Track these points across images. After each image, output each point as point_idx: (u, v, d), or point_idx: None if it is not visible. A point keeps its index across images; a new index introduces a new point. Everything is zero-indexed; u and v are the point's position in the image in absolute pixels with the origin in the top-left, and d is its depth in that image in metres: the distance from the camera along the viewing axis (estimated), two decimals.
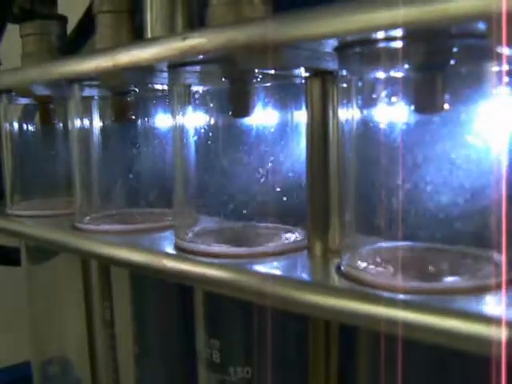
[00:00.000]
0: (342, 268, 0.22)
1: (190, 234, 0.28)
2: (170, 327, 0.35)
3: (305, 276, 0.23)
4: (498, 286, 0.20)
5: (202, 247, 0.26)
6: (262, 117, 0.27)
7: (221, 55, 0.24)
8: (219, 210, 0.29)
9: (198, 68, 0.27)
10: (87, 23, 0.42)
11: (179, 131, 0.28)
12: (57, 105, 0.38)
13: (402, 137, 0.21)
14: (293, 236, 0.27)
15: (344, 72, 0.22)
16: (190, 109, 0.27)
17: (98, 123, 0.35)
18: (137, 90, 0.32)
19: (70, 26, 0.42)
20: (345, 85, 0.22)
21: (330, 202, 0.25)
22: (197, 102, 0.28)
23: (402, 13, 0.18)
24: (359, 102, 0.22)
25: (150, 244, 0.29)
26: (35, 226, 0.36)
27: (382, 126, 0.22)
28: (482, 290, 0.19)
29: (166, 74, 0.28)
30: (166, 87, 0.32)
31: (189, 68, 0.26)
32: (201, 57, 0.25)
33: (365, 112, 0.22)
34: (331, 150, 0.24)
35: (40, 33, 0.37)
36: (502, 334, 0.16)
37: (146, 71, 0.29)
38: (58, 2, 0.39)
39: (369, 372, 0.24)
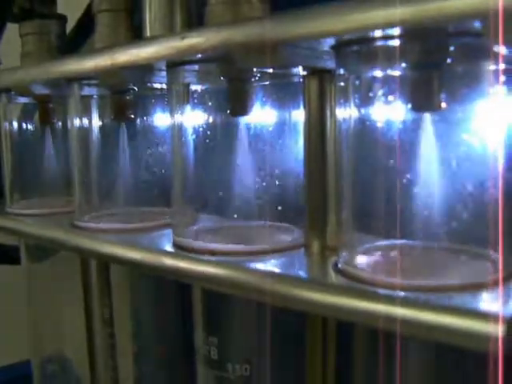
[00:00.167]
0: (340, 265, 0.22)
1: (189, 232, 0.28)
2: (168, 325, 0.35)
3: (302, 273, 0.23)
4: (495, 283, 0.20)
5: (201, 245, 0.26)
6: (260, 115, 0.27)
7: (219, 54, 0.24)
8: (217, 209, 0.29)
9: (196, 67, 0.27)
10: (86, 22, 0.42)
11: (178, 130, 0.28)
12: (56, 104, 0.39)
13: (398, 135, 0.22)
14: (290, 234, 0.27)
15: (341, 70, 0.22)
16: (188, 107, 0.28)
17: (97, 122, 0.35)
18: (136, 88, 0.32)
19: (70, 26, 0.42)
20: (342, 83, 0.22)
21: (327, 200, 0.25)
22: (195, 100, 0.28)
23: (398, 12, 0.18)
24: (356, 100, 0.22)
25: (149, 242, 0.29)
26: (35, 225, 0.36)
27: (379, 124, 0.22)
28: (478, 287, 0.19)
29: (164, 73, 0.28)
30: (164, 86, 0.32)
31: (187, 67, 0.27)
32: (199, 56, 0.25)
33: (362, 110, 0.22)
34: (329, 148, 0.25)
35: (39, 32, 0.37)
36: (499, 330, 0.16)
37: (144, 70, 0.29)
38: (58, 2, 0.39)
39: (366, 369, 0.24)
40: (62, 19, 0.39)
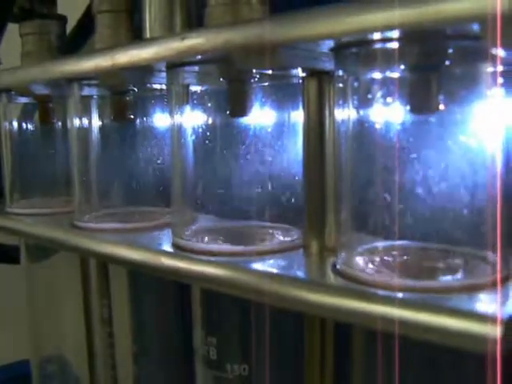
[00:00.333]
0: (338, 266, 0.23)
1: (188, 233, 0.28)
2: (167, 325, 0.35)
3: (301, 274, 0.23)
4: (493, 285, 0.20)
5: (200, 245, 0.26)
6: (260, 116, 0.27)
7: (219, 55, 0.24)
8: (217, 209, 0.29)
9: (196, 68, 0.27)
10: (87, 23, 0.42)
11: (177, 131, 0.28)
12: (56, 104, 0.39)
13: (397, 137, 0.22)
14: (289, 234, 0.27)
15: (340, 72, 0.22)
16: (188, 108, 0.28)
17: (96, 122, 0.35)
18: (135, 89, 0.32)
19: (70, 26, 0.42)
20: (341, 85, 0.22)
21: (326, 200, 0.25)
22: (195, 101, 0.28)
23: (397, 14, 0.18)
24: (355, 101, 0.22)
25: (148, 242, 0.29)
26: (34, 225, 0.36)
27: (378, 125, 0.22)
28: (476, 289, 0.19)
29: (164, 74, 0.28)
30: (164, 87, 0.32)
31: (187, 68, 0.27)
32: (199, 57, 0.25)
33: (361, 112, 0.22)
34: (327, 150, 0.25)
35: (39, 32, 0.37)
36: (497, 331, 0.16)
37: (144, 71, 0.29)
38: (58, 2, 0.39)
39: (364, 369, 0.24)
40: (62, 19, 0.39)
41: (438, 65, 0.20)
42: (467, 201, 0.21)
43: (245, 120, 0.27)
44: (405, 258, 0.23)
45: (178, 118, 0.28)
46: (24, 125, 0.41)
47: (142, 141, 0.35)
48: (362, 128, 0.22)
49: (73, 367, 0.43)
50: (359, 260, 0.23)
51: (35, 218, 0.37)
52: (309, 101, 0.25)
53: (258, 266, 0.24)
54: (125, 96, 0.33)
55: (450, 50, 0.20)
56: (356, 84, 0.22)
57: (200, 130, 0.28)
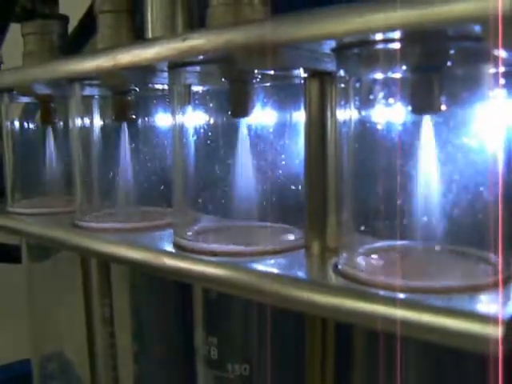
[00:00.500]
0: (340, 267, 0.23)
1: (190, 233, 0.28)
2: (168, 325, 0.35)
3: (302, 274, 0.23)
4: (494, 285, 0.20)
5: (201, 245, 0.26)
6: (261, 117, 0.27)
7: (220, 56, 0.24)
8: (218, 209, 0.29)
9: (197, 68, 0.27)
10: (88, 23, 0.43)
11: (179, 131, 0.28)
12: (58, 104, 0.39)
13: (399, 137, 0.22)
14: (291, 235, 0.27)
15: (342, 73, 0.22)
16: (189, 108, 0.28)
17: (98, 122, 0.35)
18: (137, 89, 0.32)
19: (72, 26, 0.42)
20: (343, 85, 0.22)
21: (327, 201, 0.25)
22: (196, 101, 0.28)
23: (399, 15, 0.18)
24: (357, 102, 0.22)
25: (150, 242, 0.29)
26: (36, 224, 0.36)
27: (380, 126, 0.22)
28: (477, 289, 0.19)
29: (166, 74, 0.28)
30: (166, 87, 0.32)
31: (189, 68, 0.27)
32: (201, 57, 0.25)
33: (362, 112, 0.22)
34: (329, 150, 0.25)
35: (41, 32, 0.37)
36: (498, 331, 0.16)
37: (146, 71, 0.29)
38: (60, 2, 0.39)
39: (365, 370, 0.24)
40: (64, 19, 0.39)
41: (440, 66, 0.20)
42: (469, 201, 0.21)
43: (246, 120, 0.27)
44: (406, 258, 0.23)
45: (179, 118, 0.28)
46: (25, 124, 0.42)
47: (143, 141, 0.35)
48: (364, 129, 0.22)
49: (74, 367, 0.43)
50: (360, 260, 0.23)
51: (36, 217, 0.37)
52: (310, 101, 0.25)
53: (259, 266, 0.24)
54: (126, 96, 0.33)
55: (452, 51, 0.20)
56: (358, 85, 0.22)
57: (201, 130, 0.28)
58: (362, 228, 0.23)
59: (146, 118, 0.35)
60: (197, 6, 0.28)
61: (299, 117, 0.26)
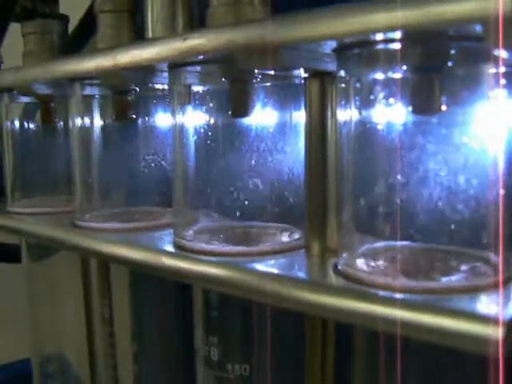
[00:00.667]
0: (340, 267, 0.23)
1: (189, 233, 0.28)
2: (168, 325, 0.35)
3: (302, 274, 0.23)
4: (494, 286, 0.20)
5: (201, 245, 0.26)
6: (262, 117, 0.27)
7: (221, 56, 0.24)
8: (218, 209, 0.29)
9: (198, 68, 0.27)
10: (89, 22, 0.42)
11: (179, 131, 0.28)
12: (58, 103, 0.39)
13: (399, 138, 0.22)
14: (291, 235, 0.27)
15: (342, 73, 0.22)
16: (189, 108, 0.28)
17: (98, 122, 0.35)
18: (137, 89, 0.32)
19: (72, 26, 0.42)
20: (343, 86, 0.22)
21: (327, 201, 0.25)
22: (197, 101, 0.28)
23: (399, 15, 0.18)
24: (357, 102, 0.22)
25: (150, 242, 0.29)
26: (36, 224, 0.36)
27: (380, 126, 0.22)
28: (478, 290, 0.19)
29: (166, 74, 0.28)
30: (166, 87, 0.32)
31: (189, 68, 0.27)
32: (201, 57, 0.25)
33: (363, 113, 0.22)
34: (329, 150, 0.25)
35: (41, 32, 0.37)
36: (498, 332, 0.16)
37: (146, 71, 0.29)
38: (60, 2, 0.39)
39: (365, 370, 0.24)
40: (64, 19, 0.39)
41: (441, 66, 0.20)
42: (469, 202, 0.21)
43: (247, 120, 0.27)
44: (406, 259, 0.23)
45: (179, 118, 0.28)
46: (26, 124, 0.41)
47: (143, 141, 0.35)
48: (364, 129, 0.22)
49: (73, 367, 0.43)
50: (360, 261, 0.23)
51: (36, 217, 0.37)
52: (311, 101, 0.25)
53: (259, 266, 0.24)
54: (126, 96, 0.32)
55: (453, 51, 0.20)
56: (358, 85, 0.22)
57: (202, 130, 0.28)
58: (362, 228, 0.23)
59: (146, 118, 0.35)
60: (197, 6, 0.28)
61: (299, 117, 0.26)
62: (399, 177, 0.22)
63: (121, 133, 0.35)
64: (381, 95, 0.21)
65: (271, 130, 0.28)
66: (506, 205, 0.20)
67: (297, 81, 0.26)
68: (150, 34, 0.28)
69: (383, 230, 0.22)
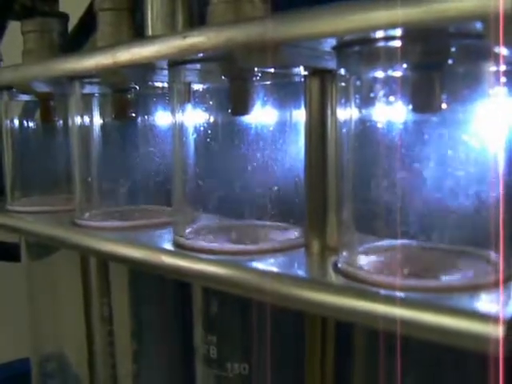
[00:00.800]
0: (339, 265, 0.22)
1: (189, 231, 0.28)
2: (167, 323, 0.35)
3: (302, 273, 0.23)
4: (495, 284, 0.20)
5: (201, 244, 0.26)
6: (261, 115, 0.27)
7: (220, 53, 0.24)
8: (218, 208, 0.29)
9: (197, 66, 0.27)
10: (88, 21, 0.42)
11: (179, 129, 0.28)
12: (57, 102, 0.39)
13: (399, 136, 0.22)
14: (291, 233, 0.27)
15: (342, 71, 0.22)
16: (189, 106, 0.28)
17: (98, 120, 0.35)
18: (137, 87, 0.32)
19: (72, 24, 0.42)
20: (343, 84, 0.22)
21: (327, 199, 0.25)
22: (196, 99, 0.28)
23: (400, 12, 0.18)
24: (357, 100, 0.22)
25: (149, 240, 0.29)
26: (35, 222, 0.36)
27: (380, 125, 0.22)
28: (478, 288, 0.19)
29: (166, 72, 0.28)
30: (166, 85, 0.32)
31: (189, 66, 0.27)
32: (201, 55, 0.25)
33: (363, 111, 0.22)
34: (329, 149, 0.25)
35: (41, 30, 0.37)
36: (498, 331, 0.16)
37: (146, 69, 0.29)
38: (60, 0, 0.39)
39: (365, 369, 0.24)
40: (64, 17, 0.39)
41: (441, 63, 0.20)
42: (469, 200, 0.21)
43: (246, 118, 0.27)
44: (406, 257, 0.23)
45: (179, 117, 0.28)
46: (25, 123, 0.41)
47: (143, 139, 0.35)
48: (364, 127, 0.22)
49: (73, 365, 0.43)
50: (360, 259, 0.23)
51: (36, 215, 0.37)
52: (311, 99, 0.25)
53: (259, 264, 0.24)
54: (126, 94, 0.32)
55: (453, 49, 0.20)
56: (358, 83, 0.22)
57: (201, 128, 0.28)
58: (362, 227, 0.23)
59: (146, 116, 0.35)
60: (197, 4, 0.28)
61: (299, 115, 0.26)
62: (399, 175, 0.22)
63: (120, 131, 0.35)
64: (381, 93, 0.21)
65: (271, 128, 0.28)
66: (506, 203, 0.20)
67: (297, 79, 0.26)
68: (149, 32, 0.28)
69: (383, 228, 0.22)
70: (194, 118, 0.28)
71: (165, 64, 0.27)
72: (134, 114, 0.33)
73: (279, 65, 0.24)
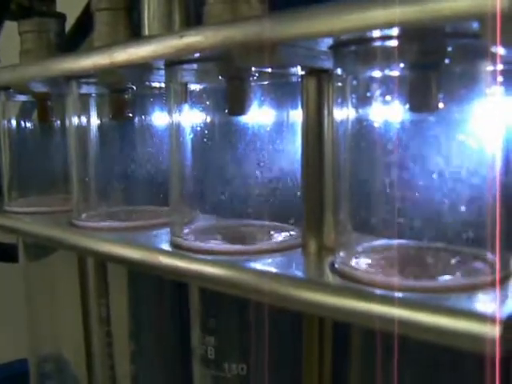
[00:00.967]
0: (336, 265, 0.22)
1: (186, 232, 0.28)
2: (165, 324, 0.35)
3: (299, 273, 0.23)
4: (491, 284, 0.20)
5: (198, 244, 0.26)
6: (258, 115, 0.27)
7: (217, 53, 0.24)
8: (215, 208, 0.29)
9: (194, 66, 0.27)
10: (85, 21, 0.42)
11: (176, 129, 0.28)
12: (55, 102, 0.38)
13: (396, 136, 0.22)
14: (288, 234, 0.27)
15: (339, 71, 0.22)
16: (186, 107, 0.28)
17: (95, 120, 0.35)
18: (134, 87, 0.32)
19: (69, 24, 0.42)
20: (340, 83, 0.22)
21: (324, 200, 0.25)
22: (193, 99, 0.28)
23: (397, 12, 0.18)
24: (354, 100, 0.22)
25: (147, 241, 0.29)
26: (33, 223, 0.36)
27: (377, 124, 0.22)
28: (475, 288, 0.19)
29: (163, 72, 0.28)
30: (163, 85, 0.32)
31: (186, 66, 0.27)
32: (197, 55, 0.25)
33: (360, 111, 0.22)
34: (326, 149, 0.25)
35: (38, 30, 0.37)
36: (495, 331, 0.16)
37: (143, 69, 0.29)
38: (57, 0, 0.39)
39: (362, 369, 0.24)
40: (61, 17, 0.39)
41: (438, 63, 0.20)
42: (466, 200, 0.21)
43: (243, 118, 0.27)
44: (403, 257, 0.23)
45: (176, 117, 0.28)
46: (22, 123, 0.41)
47: (140, 139, 0.35)
48: (361, 127, 0.22)
49: (71, 366, 0.43)
50: (357, 259, 0.23)
51: (33, 216, 0.37)
52: (308, 99, 0.25)
53: (256, 265, 0.24)
54: (123, 94, 0.32)
55: (450, 48, 0.20)
56: (355, 82, 0.22)
57: (198, 128, 0.28)
58: (359, 227, 0.23)
59: (143, 117, 0.35)
60: (194, 4, 0.28)
61: (296, 115, 0.26)
62: (396, 175, 0.22)
63: (118, 131, 0.35)
64: (378, 93, 0.21)
65: (268, 128, 0.28)
66: (503, 203, 0.20)
67: (293, 79, 0.26)
68: (146, 32, 0.28)
69: (380, 228, 0.22)
70: (191, 118, 0.28)
71: (162, 64, 0.27)
72: (131, 114, 0.33)
73: (276, 64, 0.24)
